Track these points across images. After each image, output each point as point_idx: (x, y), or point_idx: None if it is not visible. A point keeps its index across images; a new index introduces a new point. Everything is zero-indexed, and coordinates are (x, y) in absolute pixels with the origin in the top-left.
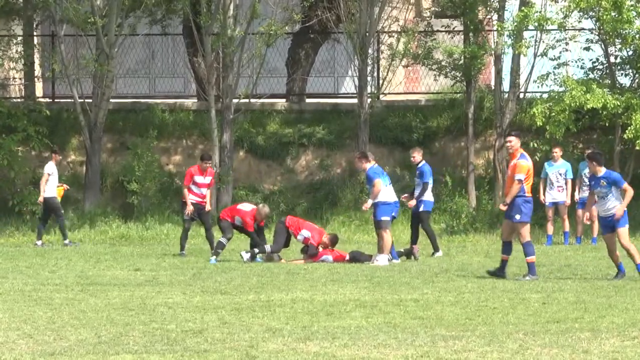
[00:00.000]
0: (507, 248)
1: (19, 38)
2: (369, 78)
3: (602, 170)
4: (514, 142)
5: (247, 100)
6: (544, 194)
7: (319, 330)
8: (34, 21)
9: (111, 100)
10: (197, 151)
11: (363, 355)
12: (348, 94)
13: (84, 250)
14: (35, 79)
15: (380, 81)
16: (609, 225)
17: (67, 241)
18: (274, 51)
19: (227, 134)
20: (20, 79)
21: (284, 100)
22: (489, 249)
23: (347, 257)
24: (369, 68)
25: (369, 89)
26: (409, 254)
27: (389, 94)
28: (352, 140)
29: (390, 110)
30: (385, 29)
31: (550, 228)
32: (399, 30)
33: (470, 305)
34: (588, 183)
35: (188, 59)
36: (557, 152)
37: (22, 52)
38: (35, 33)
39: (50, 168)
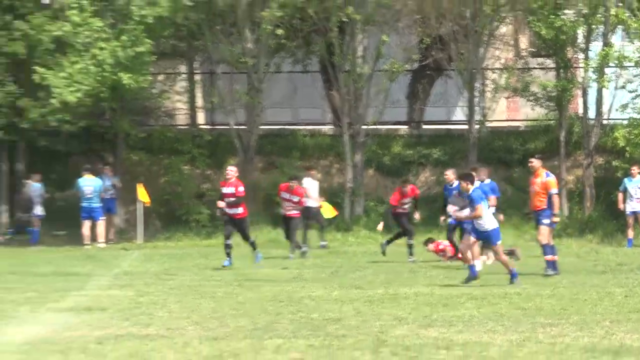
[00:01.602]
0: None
1: (183, 75)
2: (476, 108)
3: None
4: (534, 162)
5: (374, 126)
6: (623, 203)
7: (438, 318)
8: (195, 61)
9: (261, 127)
10: (333, 169)
11: (475, 340)
12: (459, 121)
13: (242, 252)
14: (198, 109)
15: (486, 110)
16: None
17: (323, 242)
18: (396, 85)
19: (358, 155)
20: (184, 109)
21: (405, 126)
22: (579, 251)
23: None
24: (476, 99)
25: (476, 117)
26: (510, 254)
27: (493, 121)
28: (463, 160)
29: (495, 134)
30: (490, 66)
31: (630, 233)
32: (501, 67)
33: (565, 298)
34: None
35: (325, 92)
36: (635, 169)
37: (187, 87)
38: (196, 71)
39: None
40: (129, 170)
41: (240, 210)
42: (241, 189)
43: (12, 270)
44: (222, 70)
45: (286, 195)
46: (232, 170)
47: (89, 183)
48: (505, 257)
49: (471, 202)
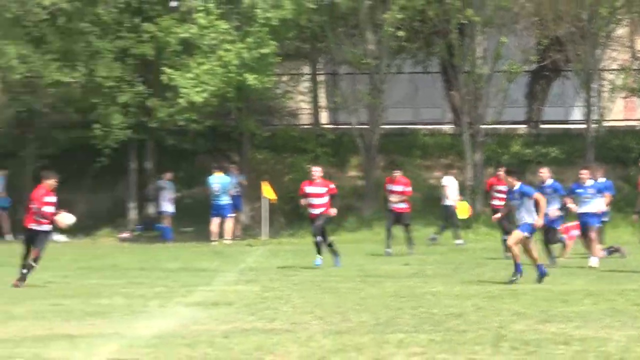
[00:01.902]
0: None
1: (307, 76)
2: (593, 107)
3: None
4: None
5: (493, 126)
6: None
7: (556, 314)
8: (318, 62)
9: (382, 126)
10: (453, 168)
11: (592, 335)
12: (576, 120)
13: (365, 249)
14: (321, 109)
15: (603, 110)
16: None
17: (459, 241)
18: (515, 86)
19: (478, 153)
20: (308, 109)
21: (524, 126)
22: None
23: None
24: (593, 99)
25: (593, 117)
26: (615, 251)
27: (610, 120)
28: (580, 158)
29: (612, 133)
30: (606, 68)
31: None
32: (618, 68)
33: None
34: None
35: (445, 92)
36: None
37: (310, 87)
38: (319, 72)
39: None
40: (254, 169)
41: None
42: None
43: (141, 266)
44: (344, 71)
45: (390, 187)
46: (317, 171)
47: (217, 181)
48: (517, 249)
49: (522, 196)
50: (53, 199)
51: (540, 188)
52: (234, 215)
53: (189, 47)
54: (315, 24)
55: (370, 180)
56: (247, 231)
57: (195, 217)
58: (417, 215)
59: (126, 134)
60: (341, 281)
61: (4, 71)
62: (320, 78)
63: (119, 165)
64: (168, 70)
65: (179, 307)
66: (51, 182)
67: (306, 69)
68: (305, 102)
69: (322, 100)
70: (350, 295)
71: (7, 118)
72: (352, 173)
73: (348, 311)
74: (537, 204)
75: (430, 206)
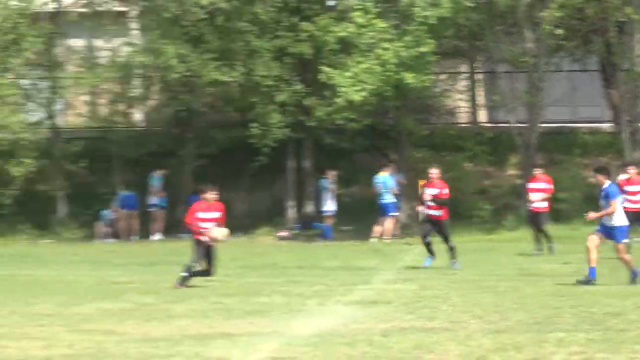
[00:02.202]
0: None
1: (465, 74)
2: None
3: None
4: None
5: None
6: None
7: None
8: (476, 61)
9: (541, 124)
10: (612, 167)
11: None
12: None
13: (524, 248)
14: (479, 108)
15: None
16: None
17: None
18: None
19: (637, 152)
20: (466, 107)
21: None
22: None
23: None
24: None
25: None
26: None
27: None
28: None
29: None
30: None
31: None
32: None
33: None
34: None
35: (604, 90)
36: None
37: (468, 86)
38: (477, 70)
39: None
40: (412, 167)
41: (440, 212)
42: (445, 190)
43: (299, 265)
44: (502, 70)
45: (531, 185)
46: (435, 172)
47: (380, 180)
48: (627, 256)
49: (606, 197)
50: (211, 214)
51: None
52: (396, 214)
53: (346, 46)
54: (473, 22)
55: (527, 180)
56: (406, 230)
57: (354, 215)
58: (577, 214)
59: (284, 132)
60: (500, 280)
61: (162, 71)
62: (478, 76)
63: (277, 164)
64: (326, 69)
65: (338, 306)
66: (209, 196)
67: (464, 68)
68: (463, 101)
69: (480, 99)
70: (508, 294)
71: (166, 117)
72: (511, 172)
73: (507, 310)
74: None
75: (590, 205)
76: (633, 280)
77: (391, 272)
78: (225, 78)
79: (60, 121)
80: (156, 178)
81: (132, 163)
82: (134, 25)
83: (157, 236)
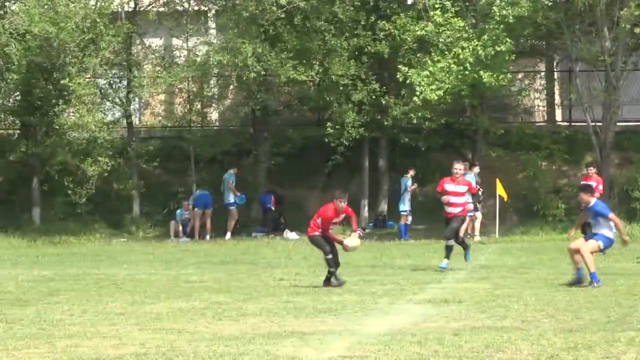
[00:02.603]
0: None
1: (542, 73)
2: None
3: None
4: None
5: None
6: None
7: None
8: (554, 59)
9: (617, 123)
10: None
11: None
12: None
13: None
14: (556, 107)
15: None
16: None
17: None
18: None
19: None
20: (543, 106)
21: None
22: None
23: None
24: None
25: None
26: None
27: None
28: None
29: None
30: None
31: None
32: None
33: None
34: None
35: None
36: None
37: (545, 85)
38: (555, 69)
39: None
40: (487, 166)
41: (460, 209)
42: (474, 185)
43: (372, 263)
44: (580, 68)
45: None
46: (459, 168)
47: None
48: (590, 257)
49: (598, 215)
50: (337, 219)
51: None
52: (473, 213)
53: (424, 44)
54: (551, 21)
55: (605, 178)
56: (480, 229)
57: (428, 214)
58: None
59: (360, 131)
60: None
61: (240, 70)
62: (555, 75)
63: (352, 163)
64: (403, 68)
65: (410, 305)
66: (339, 204)
67: (541, 66)
68: (539, 99)
69: (557, 98)
70: (582, 292)
71: (242, 116)
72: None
73: (580, 309)
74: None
75: None
76: (576, 281)
77: (464, 271)
78: (302, 77)
79: (136, 120)
80: (230, 176)
81: (207, 162)
82: (211, 24)
83: (230, 235)
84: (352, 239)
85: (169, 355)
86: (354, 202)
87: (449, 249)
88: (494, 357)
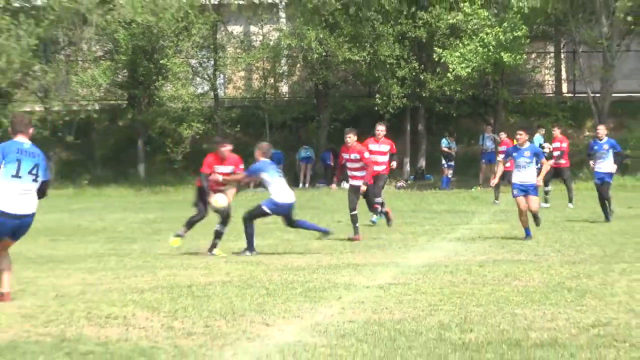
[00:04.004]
0: None
1: (551, 54)
2: None
3: None
4: None
5: None
6: None
7: None
8: (561, 42)
9: (613, 94)
10: None
11: None
12: None
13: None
14: (562, 81)
15: None
16: None
17: None
18: None
19: None
20: (552, 81)
21: None
22: None
23: None
24: None
25: None
26: None
27: None
28: None
29: None
30: None
31: None
32: None
33: None
34: None
35: None
36: None
37: (553, 63)
38: (562, 50)
39: None
40: (505, 130)
41: (383, 167)
42: (367, 154)
43: (412, 209)
44: (582, 50)
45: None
46: (381, 130)
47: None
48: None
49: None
50: (224, 169)
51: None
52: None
53: (455, 30)
54: (559, 11)
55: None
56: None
57: (458, 168)
58: None
59: (403, 102)
60: (576, 221)
61: (305, 51)
62: (562, 55)
63: (396, 127)
64: (438, 50)
65: (443, 242)
66: (222, 150)
67: (551, 48)
68: (549, 75)
69: (564, 74)
70: (583, 232)
71: (307, 89)
72: (587, 133)
73: (581, 245)
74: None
75: None
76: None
77: (488, 215)
78: (355, 57)
79: (221, 93)
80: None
81: (279, 126)
82: (282, 14)
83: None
84: (216, 197)
85: (249, 282)
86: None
87: (378, 208)
88: (511, 284)
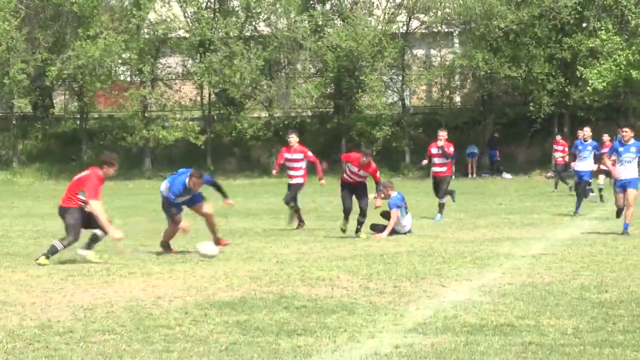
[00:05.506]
0: None
1: None
2: None
3: None
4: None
5: None
6: None
7: None
8: None
9: None
10: None
11: None
12: None
13: None
14: None
15: None
16: None
17: None
18: None
19: None
20: None
21: None
22: None
23: None
24: None
25: None
26: None
27: None
28: None
29: None
30: None
31: None
32: None
33: None
34: None
35: None
36: None
37: None
38: None
39: None
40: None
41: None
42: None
43: (559, 194)
44: None
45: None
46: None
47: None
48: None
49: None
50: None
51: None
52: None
53: (594, 52)
54: None
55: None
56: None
57: None
58: None
59: (551, 109)
60: None
61: (474, 69)
62: None
63: (546, 129)
64: (580, 68)
65: (584, 221)
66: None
67: None
68: None
69: None
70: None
71: (475, 99)
72: None
73: None
74: None
75: None
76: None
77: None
78: (514, 74)
79: (407, 102)
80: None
81: (452, 128)
82: (455, 40)
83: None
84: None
85: (429, 252)
86: (547, 155)
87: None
88: (639, 254)
